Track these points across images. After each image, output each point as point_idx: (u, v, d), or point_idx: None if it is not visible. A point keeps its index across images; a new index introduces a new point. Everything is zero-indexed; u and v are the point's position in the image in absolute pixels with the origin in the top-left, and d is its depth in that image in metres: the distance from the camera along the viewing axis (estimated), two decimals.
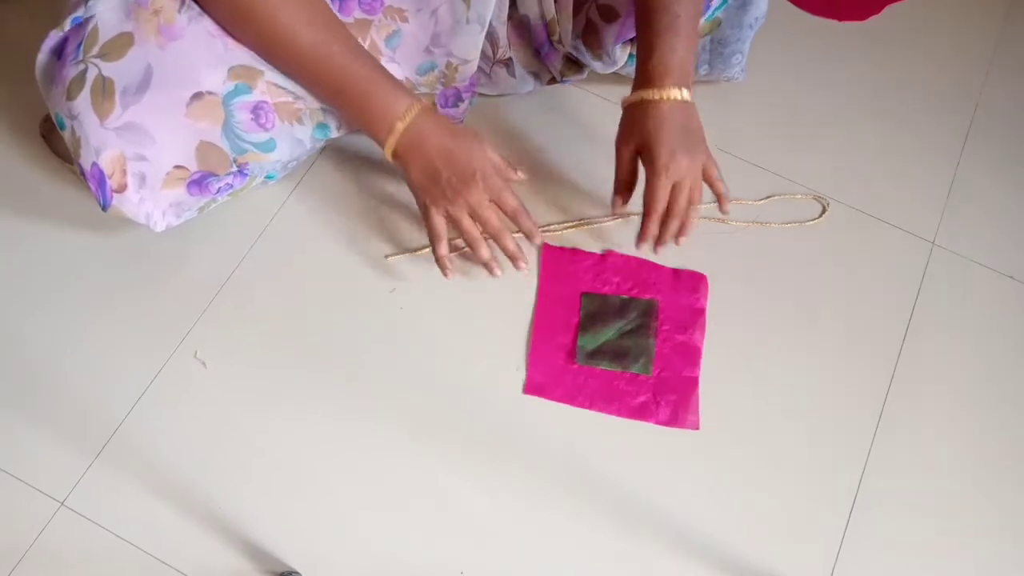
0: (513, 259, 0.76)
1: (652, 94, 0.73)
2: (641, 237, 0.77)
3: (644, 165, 0.76)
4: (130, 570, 0.68)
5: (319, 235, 0.83)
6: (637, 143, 0.76)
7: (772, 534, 0.73)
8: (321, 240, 0.83)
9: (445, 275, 0.76)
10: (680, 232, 0.77)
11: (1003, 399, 0.81)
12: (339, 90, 0.71)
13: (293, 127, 0.73)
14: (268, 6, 0.66)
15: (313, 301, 0.80)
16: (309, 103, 0.73)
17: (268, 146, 0.72)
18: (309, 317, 0.79)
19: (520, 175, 0.77)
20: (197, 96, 0.67)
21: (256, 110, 0.70)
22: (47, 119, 0.84)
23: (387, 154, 0.72)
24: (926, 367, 0.81)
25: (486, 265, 0.76)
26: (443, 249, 0.75)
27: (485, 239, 0.75)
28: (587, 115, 0.93)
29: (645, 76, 0.74)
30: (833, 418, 0.78)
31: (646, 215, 0.76)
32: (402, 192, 0.85)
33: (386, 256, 0.83)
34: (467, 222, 0.74)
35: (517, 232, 0.76)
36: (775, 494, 0.75)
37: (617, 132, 0.78)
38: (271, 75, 0.70)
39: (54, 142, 0.83)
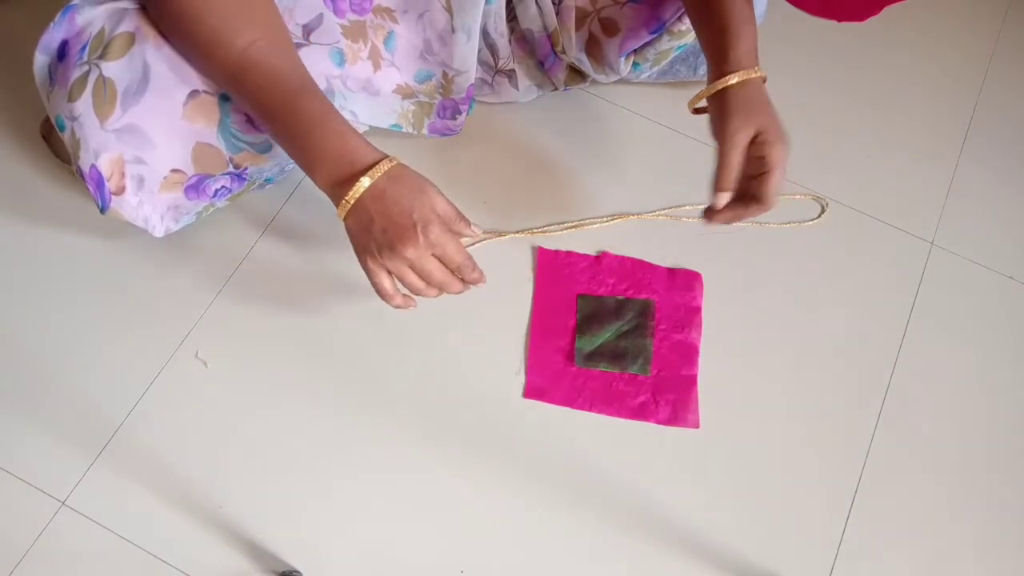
0: (470, 286, 0.68)
1: (756, 72, 0.68)
2: (741, 213, 0.70)
3: (761, 146, 0.67)
4: (131, 569, 0.69)
5: (319, 235, 0.84)
6: (758, 124, 0.68)
7: (772, 534, 0.73)
8: (321, 240, 0.83)
9: (408, 308, 0.68)
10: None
11: (1002, 399, 0.81)
12: (285, 120, 0.63)
13: None
14: (212, 18, 0.61)
15: (313, 301, 0.80)
16: None
17: (264, 147, 0.72)
18: (310, 317, 0.79)
19: (474, 229, 0.66)
20: (193, 95, 0.67)
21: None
22: (47, 120, 0.84)
23: (341, 212, 0.63)
24: (925, 367, 0.81)
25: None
26: (398, 300, 0.66)
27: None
28: (584, 116, 0.93)
29: (740, 57, 0.68)
30: (832, 417, 0.78)
31: (764, 199, 0.68)
32: None
33: None
34: (410, 276, 0.64)
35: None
36: (775, 493, 0.75)
37: (720, 120, 0.69)
38: None
39: (54, 143, 0.83)
